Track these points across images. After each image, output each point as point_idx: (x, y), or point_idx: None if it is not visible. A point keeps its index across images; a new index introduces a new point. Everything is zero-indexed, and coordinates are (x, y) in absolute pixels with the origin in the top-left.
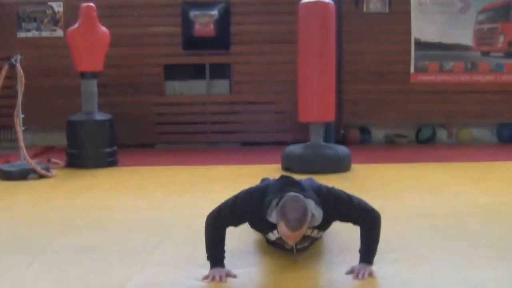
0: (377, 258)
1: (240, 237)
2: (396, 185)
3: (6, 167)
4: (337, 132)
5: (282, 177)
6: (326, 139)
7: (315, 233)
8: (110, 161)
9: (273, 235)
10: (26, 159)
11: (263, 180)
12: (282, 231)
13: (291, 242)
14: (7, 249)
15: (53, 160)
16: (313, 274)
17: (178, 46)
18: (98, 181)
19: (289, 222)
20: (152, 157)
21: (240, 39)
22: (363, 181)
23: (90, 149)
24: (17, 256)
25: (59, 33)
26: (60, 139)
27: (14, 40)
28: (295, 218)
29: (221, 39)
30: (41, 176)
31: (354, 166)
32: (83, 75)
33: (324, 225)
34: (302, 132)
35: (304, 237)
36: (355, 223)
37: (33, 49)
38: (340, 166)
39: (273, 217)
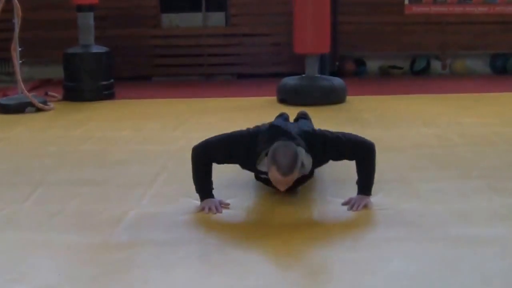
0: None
1: (226, 171)
2: (390, 116)
3: (3, 100)
4: (332, 64)
5: (271, 127)
6: (321, 71)
7: (303, 170)
8: (107, 94)
9: (265, 175)
10: (23, 93)
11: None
12: (273, 177)
13: (282, 188)
14: (4, 183)
15: (51, 93)
16: (308, 204)
17: None
18: (95, 114)
19: (280, 167)
20: (148, 90)
21: None
22: (358, 112)
23: (87, 82)
24: (15, 189)
25: None
26: (57, 72)
27: None
28: (286, 163)
29: None
30: (39, 109)
31: (349, 97)
32: (80, 8)
33: (313, 171)
34: (297, 64)
35: (294, 183)
36: (349, 158)
37: None
38: (335, 97)
39: (263, 166)
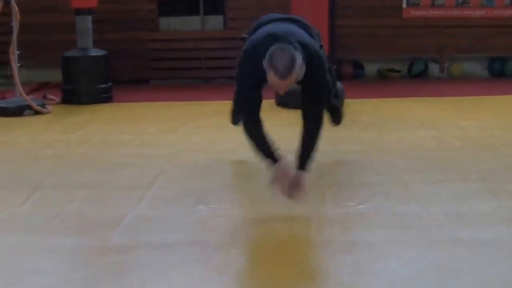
0: (368, 191)
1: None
2: (388, 119)
3: (2, 103)
4: None
5: (268, 36)
6: None
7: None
8: (105, 97)
9: None
10: (21, 96)
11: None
12: (271, 81)
13: (281, 92)
14: (2, 185)
15: (49, 96)
16: (306, 206)
17: None
18: (93, 117)
19: (277, 71)
20: (146, 93)
21: None
22: (356, 115)
23: (85, 85)
24: (13, 192)
25: None
26: (55, 75)
27: None
28: (283, 66)
29: None
30: (37, 112)
31: (347, 100)
32: (78, 11)
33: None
34: None
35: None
36: (304, 104)
37: None
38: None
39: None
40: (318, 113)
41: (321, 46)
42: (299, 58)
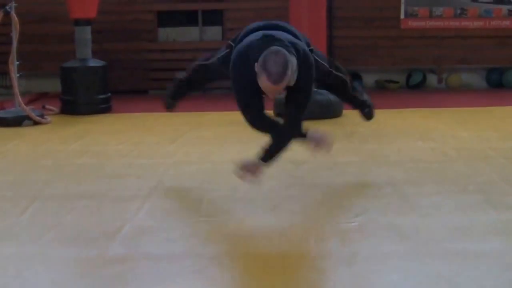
0: (367, 203)
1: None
2: (387, 130)
3: (1, 113)
4: None
5: (264, 36)
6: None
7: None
8: (103, 108)
9: None
10: (20, 106)
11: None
12: (263, 85)
13: (271, 96)
14: (1, 196)
15: (48, 106)
16: (304, 218)
17: None
18: (92, 128)
19: (270, 75)
20: (145, 104)
21: None
22: (354, 126)
23: (83, 95)
24: (11, 202)
25: None
26: (55, 85)
27: None
28: (276, 71)
29: None
30: (36, 123)
31: (345, 111)
32: (77, 21)
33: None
34: None
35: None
36: (287, 109)
37: None
38: (331, 111)
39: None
40: (297, 120)
41: (311, 50)
42: (293, 63)
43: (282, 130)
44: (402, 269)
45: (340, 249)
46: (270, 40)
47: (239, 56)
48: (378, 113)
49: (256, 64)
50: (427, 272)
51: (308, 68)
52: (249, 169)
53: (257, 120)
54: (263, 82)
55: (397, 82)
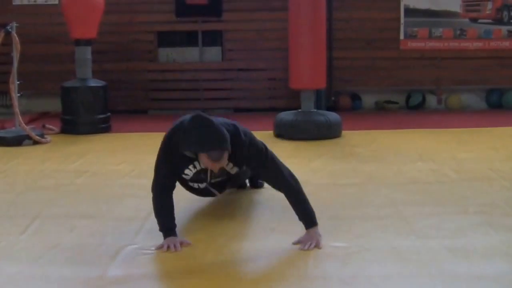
0: (366, 225)
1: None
2: (386, 151)
3: (1, 133)
4: (328, 99)
5: (195, 116)
6: (317, 106)
7: (229, 167)
8: (103, 127)
9: (190, 171)
10: (21, 125)
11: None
12: (203, 161)
13: (215, 169)
14: (1, 215)
15: (48, 126)
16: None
17: (171, 13)
18: (91, 147)
19: (210, 155)
20: (145, 124)
21: (232, 7)
22: (354, 147)
23: (84, 115)
24: (11, 222)
25: (54, 0)
26: (55, 105)
27: (10, 7)
28: (209, 141)
29: (214, 6)
30: (36, 142)
31: (344, 132)
32: (78, 42)
33: (239, 163)
34: (293, 99)
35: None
36: (271, 184)
37: (29, 17)
38: (331, 132)
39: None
40: (286, 179)
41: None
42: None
43: (293, 191)
44: None
45: (340, 270)
46: (202, 123)
47: (167, 139)
48: (378, 134)
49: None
50: None
51: (241, 141)
52: (313, 244)
53: (161, 191)
54: (204, 160)
55: (396, 103)
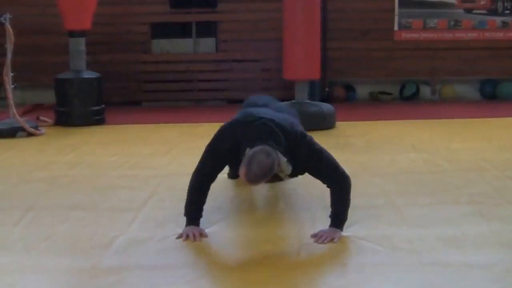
0: (359, 214)
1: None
2: (379, 142)
3: None
4: (322, 90)
5: (262, 124)
6: (311, 97)
7: (283, 175)
8: (97, 119)
9: None
10: (15, 117)
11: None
12: (241, 175)
13: (246, 185)
14: None
15: (42, 118)
16: (296, 230)
17: (165, 5)
18: (85, 139)
19: (248, 173)
20: (139, 115)
21: None
22: (348, 138)
23: (77, 107)
24: (5, 213)
25: None
26: (49, 97)
27: None
28: (256, 172)
29: None
30: (30, 134)
31: (338, 123)
32: (71, 33)
33: (294, 174)
34: (287, 90)
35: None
36: (325, 181)
37: (22, 8)
38: (325, 123)
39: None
40: (340, 181)
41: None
42: (282, 161)
43: (339, 185)
44: (394, 280)
45: (332, 259)
46: (266, 131)
47: (223, 130)
48: (371, 125)
49: (247, 149)
50: (419, 282)
51: (307, 146)
52: (329, 239)
53: (197, 185)
54: (242, 174)
55: (390, 94)
